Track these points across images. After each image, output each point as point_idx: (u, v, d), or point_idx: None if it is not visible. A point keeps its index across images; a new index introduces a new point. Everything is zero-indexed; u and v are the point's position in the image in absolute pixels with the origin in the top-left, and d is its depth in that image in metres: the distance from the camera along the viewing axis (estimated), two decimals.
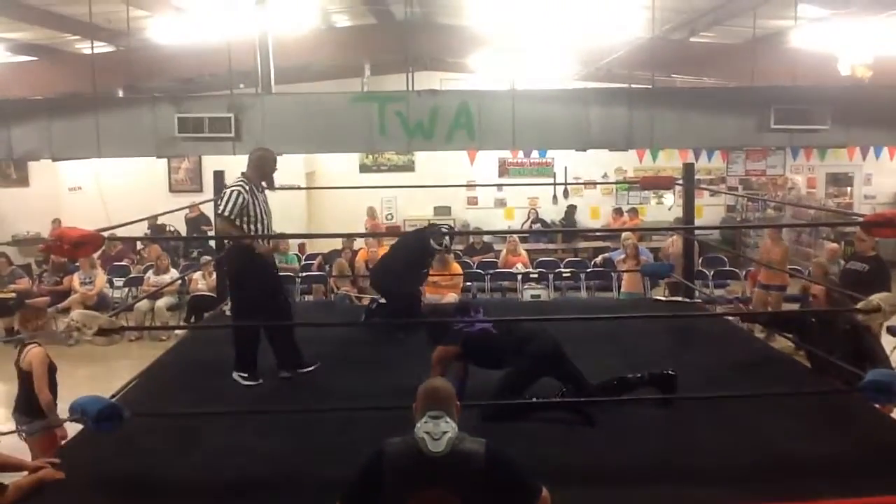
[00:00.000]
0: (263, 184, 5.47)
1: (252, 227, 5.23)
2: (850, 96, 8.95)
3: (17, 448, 4.88)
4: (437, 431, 2.73)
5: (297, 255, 13.02)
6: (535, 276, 12.01)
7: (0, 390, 8.91)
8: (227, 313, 6.61)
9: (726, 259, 12.67)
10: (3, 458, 3.80)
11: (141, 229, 12.14)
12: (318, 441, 4.20)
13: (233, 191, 5.20)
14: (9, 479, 3.59)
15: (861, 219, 4.71)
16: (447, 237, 6.80)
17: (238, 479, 3.78)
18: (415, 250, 6.69)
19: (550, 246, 15.56)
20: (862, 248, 8.00)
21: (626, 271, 10.23)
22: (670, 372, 4.58)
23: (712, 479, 3.71)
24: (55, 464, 3.78)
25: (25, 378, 5.45)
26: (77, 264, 11.61)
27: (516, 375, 4.50)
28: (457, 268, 10.31)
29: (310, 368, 5.37)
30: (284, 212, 14.04)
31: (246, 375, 5.21)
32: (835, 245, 10.88)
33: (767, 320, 7.44)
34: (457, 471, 2.73)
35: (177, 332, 9.16)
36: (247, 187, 5.24)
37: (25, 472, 3.71)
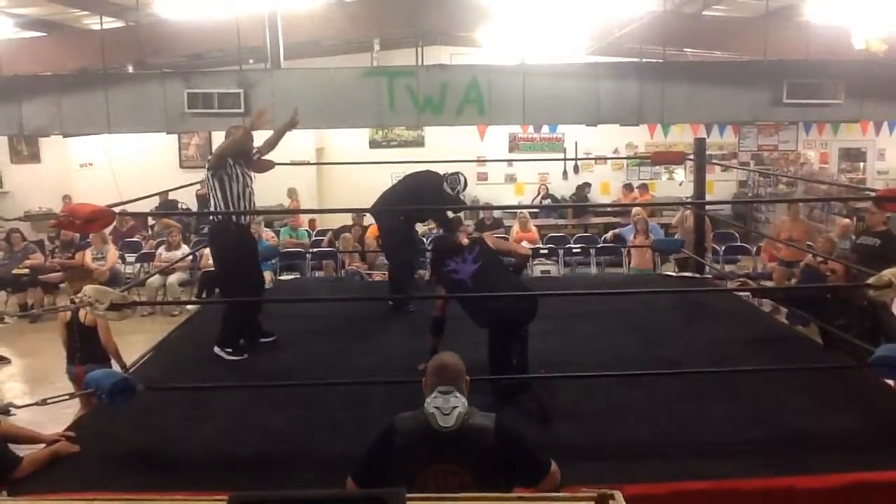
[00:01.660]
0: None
1: (234, 203, 5.25)
2: (863, 70, 8.87)
3: (31, 421, 4.95)
4: (447, 406, 2.74)
5: (307, 230, 13.04)
6: (546, 251, 12.00)
7: (17, 364, 9.02)
8: None
9: (737, 234, 12.62)
10: (18, 431, 3.85)
11: (152, 205, 12.17)
12: (328, 416, 4.23)
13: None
14: (25, 451, 3.65)
15: (874, 194, 4.67)
16: (462, 184, 6.44)
17: (249, 454, 3.81)
18: (423, 191, 6.38)
19: (561, 222, 15.52)
20: (873, 222, 7.94)
21: (636, 247, 10.20)
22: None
23: (721, 453, 3.73)
24: (70, 437, 3.83)
25: (87, 332, 5.94)
26: (88, 240, 11.66)
27: (494, 347, 4.41)
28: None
29: (270, 339, 5.54)
30: (295, 188, 14.16)
31: (231, 351, 5.30)
32: (846, 220, 10.78)
33: (781, 297, 7.41)
34: (467, 446, 2.75)
35: (188, 307, 9.21)
36: (230, 161, 5.25)
37: (41, 445, 3.76)
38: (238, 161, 5.32)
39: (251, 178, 5.44)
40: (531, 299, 4.53)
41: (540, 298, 4.58)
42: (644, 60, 10.10)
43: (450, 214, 6.19)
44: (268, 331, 5.57)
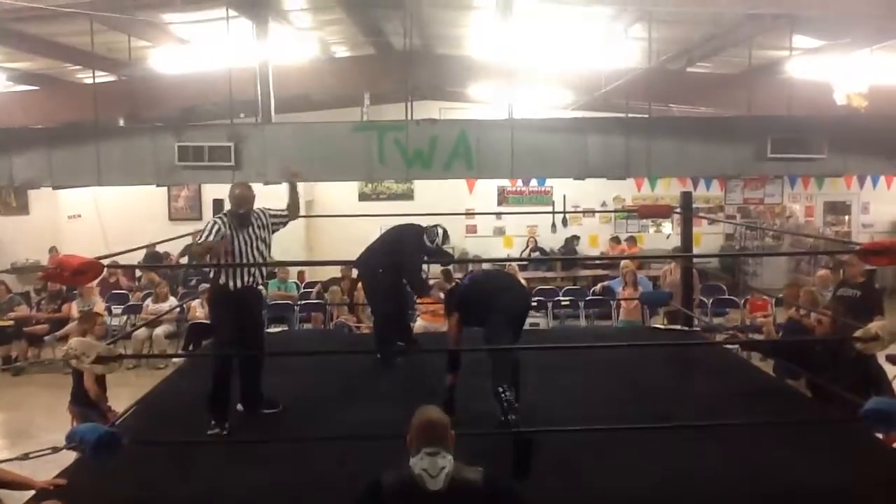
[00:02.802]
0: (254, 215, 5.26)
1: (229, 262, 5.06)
2: (846, 125, 9.00)
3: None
4: (435, 469, 2.71)
5: (295, 282, 13.01)
6: (534, 304, 11.98)
7: None
8: None
9: (725, 287, 12.67)
10: (6, 475, 3.79)
11: (140, 257, 12.14)
12: (315, 472, 4.17)
13: (212, 223, 5.04)
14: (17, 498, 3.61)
15: (858, 247, 4.72)
16: (441, 236, 6.54)
17: None
18: (403, 243, 6.56)
19: (549, 274, 15.55)
20: (852, 273, 7.96)
21: (625, 299, 10.22)
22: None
23: None
24: (61, 486, 3.77)
25: (77, 374, 6.23)
26: (75, 292, 11.59)
27: (494, 330, 4.72)
28: None
29: (274, 410, 5.23)
30: (284, 240, 14.11)
31: (214, 423, 4.92)
32: (825, 271, 10.75)
33: (770, 349, 7.41)
34: (455, 501, 2.71)
35: (174, 360, 9.12)
36: (226, 221, 5.06)
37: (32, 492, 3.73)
38: (242, 221, 5.13)
39: (254, 239, 5.18)
40: (523, 290, 5.30)
41: (528, 351, 4.66)
42: (630, 115, 10.23)
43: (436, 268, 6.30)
44: (273, 400, 5.27)
